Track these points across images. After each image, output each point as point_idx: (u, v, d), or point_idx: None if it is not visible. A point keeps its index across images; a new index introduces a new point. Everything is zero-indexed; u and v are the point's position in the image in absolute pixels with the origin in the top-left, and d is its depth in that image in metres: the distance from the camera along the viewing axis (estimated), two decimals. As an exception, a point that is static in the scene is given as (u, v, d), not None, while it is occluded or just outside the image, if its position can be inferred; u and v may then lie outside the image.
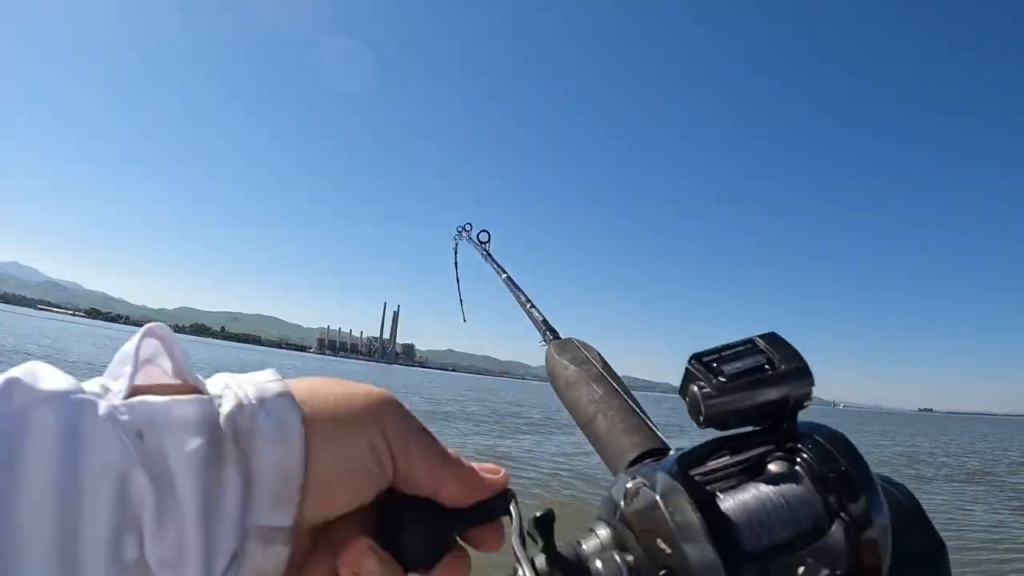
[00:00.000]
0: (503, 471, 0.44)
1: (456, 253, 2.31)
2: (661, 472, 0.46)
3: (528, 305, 1.39)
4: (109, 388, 0.36)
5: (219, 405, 0.37)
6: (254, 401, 0.38)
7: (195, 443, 0.35)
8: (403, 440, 0.41)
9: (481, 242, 1.83)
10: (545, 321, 1.20)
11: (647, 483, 0.46)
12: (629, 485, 0.47)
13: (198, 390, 0.38)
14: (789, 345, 0.49)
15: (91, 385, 0.36)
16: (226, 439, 0.36)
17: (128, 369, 0.38)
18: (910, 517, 0.50)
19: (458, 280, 2.39)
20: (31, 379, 0.34)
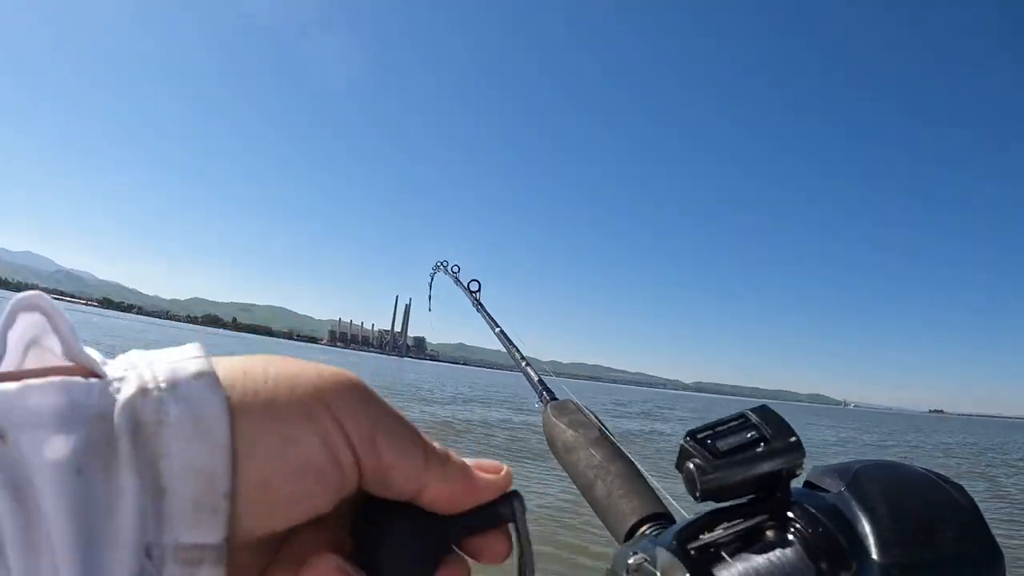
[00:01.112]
0: (505, 468, 0.37)
1: (432, 283, 2.39)
2: (660, 547, 0.47)
3: (523, 363, 1.30)
4: None
5: (117, 390, 0.29)
6: (163, 385, 0.29)
7: (59, 443, 0.27)
8: (368, 432, 0.32)
9: (471, 291, 1.72)
10: (541, 381, 1.13)
11: (648, 559, 0.47)
12: (631, 561, 0.49)
13: (94, 373, 0.29)
14: (780, 418, 0.50)
15: None
16: (120, 436, 0.28)
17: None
18: (967, 521, 0.49)
19: (431, 299, 2.49)
20: None
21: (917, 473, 0.53)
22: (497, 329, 1.49)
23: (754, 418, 0.50)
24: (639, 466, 0.79)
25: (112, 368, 0.30)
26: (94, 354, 0.30)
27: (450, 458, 0.34)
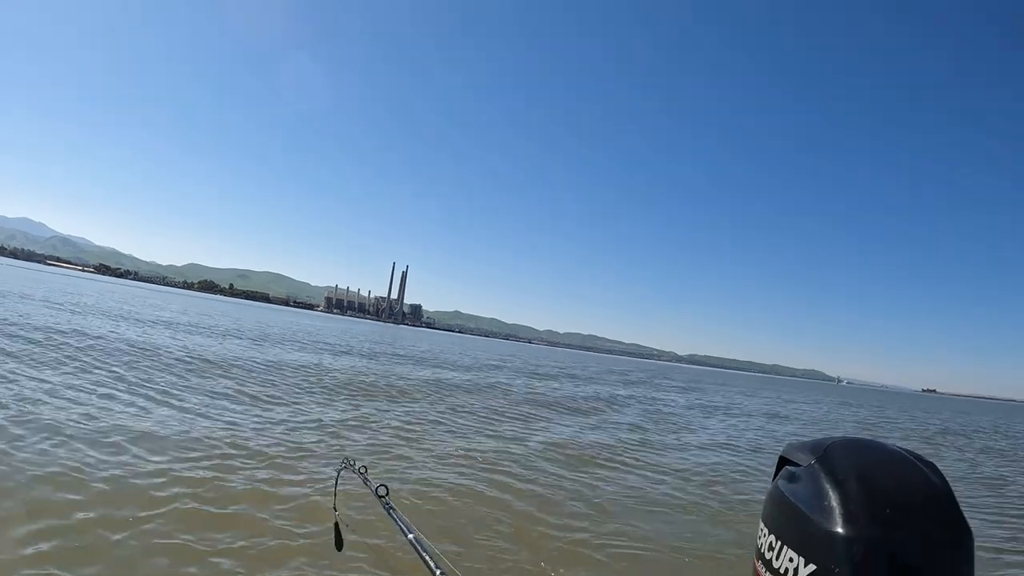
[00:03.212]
0: None
1: (336, 484, 2.21)
2: None
3: (438, 572, 1.22)
4: None
5: None
6: None
7: None
8: None
9: (379, 496, 1.59)
10: None
11: None
12: None
13: None
14: None
15: None
16: None
17: None
18: (938, 500, 0.48)
19: (335, 496, 2.24)
20: None
21: (889, 450, 0.53)
22: (411, 535, 1.40)
23: None
24: None
25: None
26: None
27: None
